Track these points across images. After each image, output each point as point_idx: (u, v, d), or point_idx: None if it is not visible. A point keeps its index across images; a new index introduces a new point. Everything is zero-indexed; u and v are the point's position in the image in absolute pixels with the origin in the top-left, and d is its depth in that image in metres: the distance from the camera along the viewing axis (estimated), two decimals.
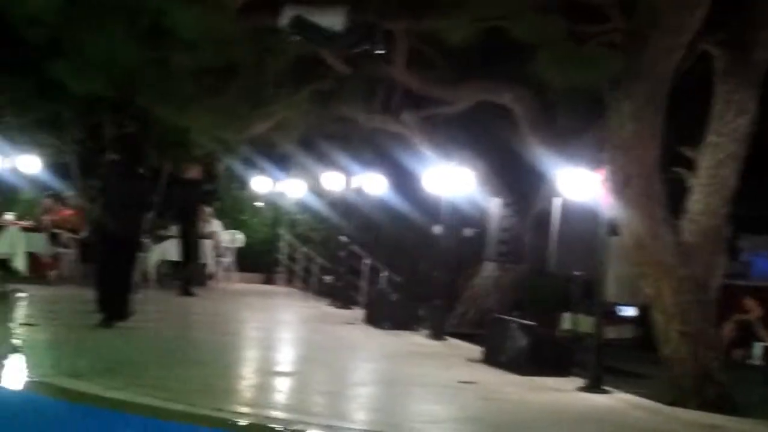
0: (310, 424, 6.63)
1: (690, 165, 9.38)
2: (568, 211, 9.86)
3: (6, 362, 8.17)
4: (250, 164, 18.77)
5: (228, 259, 17.05)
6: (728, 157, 9.02)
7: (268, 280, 18.24)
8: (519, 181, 13.70)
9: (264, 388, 8.06)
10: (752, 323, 12.64)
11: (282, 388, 8.23)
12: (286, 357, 10.48)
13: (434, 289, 12.57)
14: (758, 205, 15.33)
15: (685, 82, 10.77)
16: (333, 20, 9.66)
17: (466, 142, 13.82)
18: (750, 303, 12.81)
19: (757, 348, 12.60)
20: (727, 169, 9.02)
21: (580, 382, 8.90)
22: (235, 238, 17.39)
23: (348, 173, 15.04)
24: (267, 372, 8.98)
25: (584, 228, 9.33)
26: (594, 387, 8.68)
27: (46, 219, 15.73)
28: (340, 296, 14.78)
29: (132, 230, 10.85)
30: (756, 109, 9.06)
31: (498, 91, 12.91)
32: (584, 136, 12.17)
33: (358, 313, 13.74)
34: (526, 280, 13.53)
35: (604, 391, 8.67)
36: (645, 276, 8.61)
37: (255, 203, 19.62)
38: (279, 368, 9.33)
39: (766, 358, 12.19)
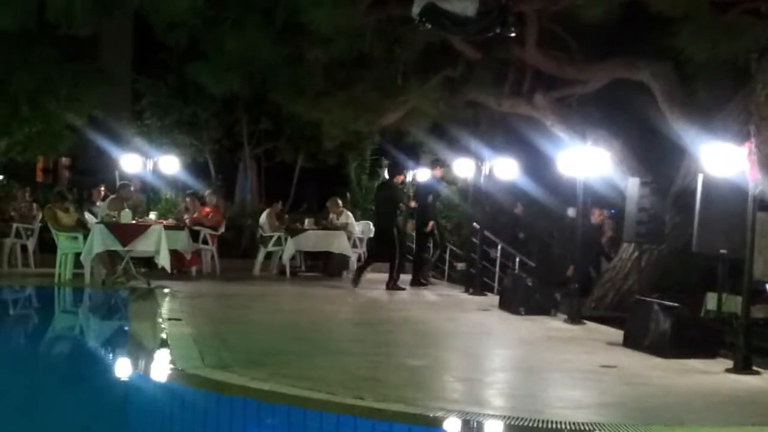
0: (450, 411, 6.59)
1: None
2: (711, 187, 9.50)
3: (154, 356, 8.48)
4: (381, 154, 18.89)
5: (360, 250, 17.19)
6: None
7: (400, 269, 18.26)
8: (658, 159, 13.26)
9: (403, 376, 8.05)
10: None
11: (419, 377, 8.19)
12: (421, 345, 10.43)
13: (570, 272, 12.33)
14: None
15: None
16: (465, 5, 9.59)
17: (601, 121, 13.48)
18: None
19: None
20: None
21: (727, 363, 8.56)
22: (368, 229, 17.50)
23: (479, 159, 14.89)
24: (404, 360, 8.98)
25: (729, 205, 9.01)
26: (743, 368, 8.33)
27: (187, 217, 16.25)
28: (474, 283, 14.67)
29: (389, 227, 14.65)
30: None
31: (634, 67, 12.54)
32: (727, 108, 11.67)
33: (493, 299, 13.61)
34: (668, 261, 13.06)
35: (754, 372, 8.32)
36: None
37: None
38: (416, 357, 9.32)
39: None
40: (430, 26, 10.09)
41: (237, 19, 12.85)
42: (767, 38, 8.25)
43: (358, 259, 17.12)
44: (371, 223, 16.95)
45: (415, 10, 9.87)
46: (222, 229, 16.57)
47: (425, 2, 9.78)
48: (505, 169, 14.73)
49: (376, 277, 16.49)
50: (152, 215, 15.49)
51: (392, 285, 14.73)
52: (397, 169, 15.94)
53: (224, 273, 16.15)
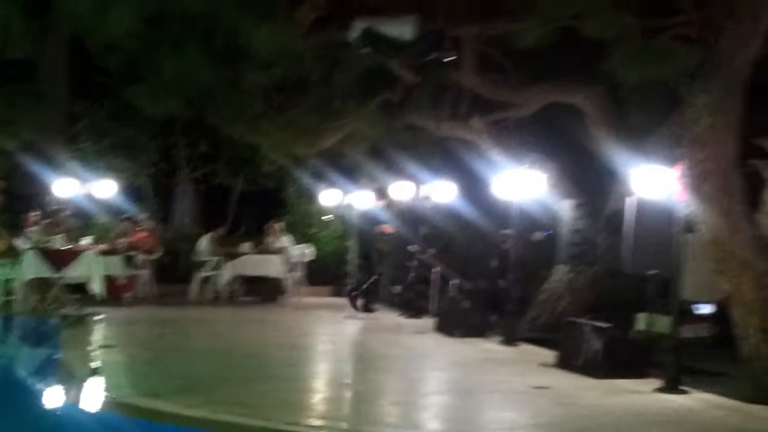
0: None
1: (766, 157, 9.08)
2: (642, 209, 9.66)
3: (87, 384, 8.32)
4: (319, 177, 18.86)
5: (298, 274, 17.12)
6: None
7: (338, 293, 18.26)
8: (591, 182, 13.43)
9: (338, 401, 8.05)
10: None
11: (355, 400, 8.20)
12: (357, 368, 10.44)
13: (505, 295, 12.42)
14: None
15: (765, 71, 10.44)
16: (402, 30, 9.66)
17: (536, 144, 13.62)
18: None
19: None
20: None
21: (657, 383, 8.69)
22: (305, 252, 17.46)
23: (417, 182, 14.96)
24: (340, 384, 8.96)
25: (659, 226, 9.14)
26: (672, 387, 8.49)
27: (122, 242, 16.02)
28: (411, 306, 14.69)
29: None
30: None
31: (568, 90, 12.71)
32: (658, 132, 11.88)
33: (429, 322, 13.64)
34: (600, 282, 13.24)
35: (683, 392, 8.47)
36: (723, 272, 8.34)
37: (324, 216, 19.69)
38: (351, 380, 9.31)
39: None
40: (368, 50, 10.14)
41: (175, 41, 12.76)
42: (696, 63, 8.41)
43: (296, 283, 17.07)
44: (309, 247, 16.88)
45: (353, 34, 9.91)
46: (158, 254, 16.35)
47: (363, 27, 9.83)
48: (442, 191, 14.84)
49: (315, 302, 16.48)
50: (86, 240, 15.23)
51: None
52: (380, 193, 15.97)
53: (160, 298, 15.93)
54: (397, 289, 16.36)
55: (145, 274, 15.99)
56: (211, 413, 7.03)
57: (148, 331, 12.27)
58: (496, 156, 13.74)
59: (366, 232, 16.07)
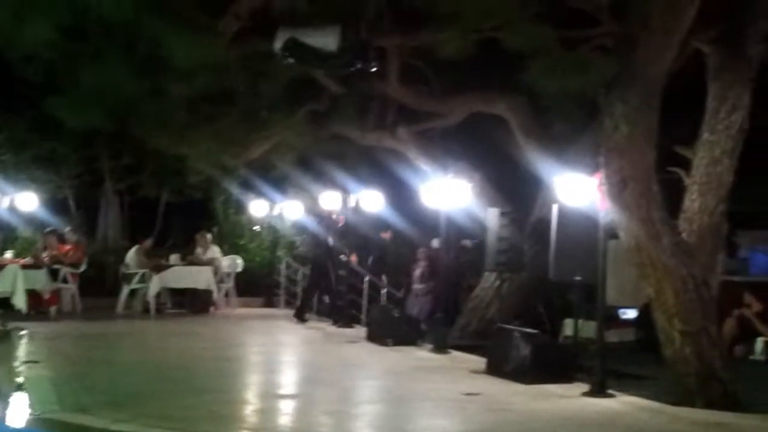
0: None
1: (686, 164, 9.35)
2: (566, 217, 9.86)
3: (10, 400, 8.15)
4: (248, 188, 18.80)
5: (228, 285, 17.03)
6: (723, 154, 9.00)
7: (269, 304, 18.21)
8: (516, 190, 13.69)
9: (269, 412, 8.02)
10: (752, 319, 12.58)
11: (287, 411, 8.21)
12: (289, 379, 10.44)
13: (435, 302, 12.57)
14: (755, 201, 15.33)
15: (680, 82, 10.78)
16: (326, 41, 9.70)
17: (462, 153, 13.82)
18: (749, 299, 12.75)
19: (759, 343, 12.54)
20: (723, 166, 9.01)
21: (584, 387, 8.88)
22: (235, 263, 17.37)
23: (345, 191, 15.04)
24: (272, 395, 8.94)
25: (583, 233, 9.33)
26: (599, 391, 8.67)
27: (45, 255, 15.72)
28: (342, 315, 14.75)
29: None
30: (749, 105, 9.05)
31: (491, 101, 12.94)
32: (580, 141, 12.17)
33: (361, 331, 13.70)
34: (528, 289, 13.48)
35: (609, 395, 8.66)
36: (645, 277, 8.57)
37: (253, 227, 19.62)
38: (283, 391, 9.31)
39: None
40: (292, 61, 10.15)
41: (96, 51, 12.58)
42: (614, 73, 8.64)
43: (225, 295, 16.96)
44: (238, 258, 16.78)
45: (278, 44, 9.92)
46: (83, 267, 16.08)
47: (287, 37, 9.84)
48: (371, 201, 14.94)
49: (245, 313, 16.42)
50: (8, 254, 14.90)
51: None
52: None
53: (86, 312, 15.65)
54: (328, 298, 16.41)
55: (70, 287, 15.71)
56: (140, 427, 6.96)
57: (75, 346, 12.06)
58: (423, 165, 13.91)
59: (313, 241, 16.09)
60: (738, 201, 9.57)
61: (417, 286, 15.07)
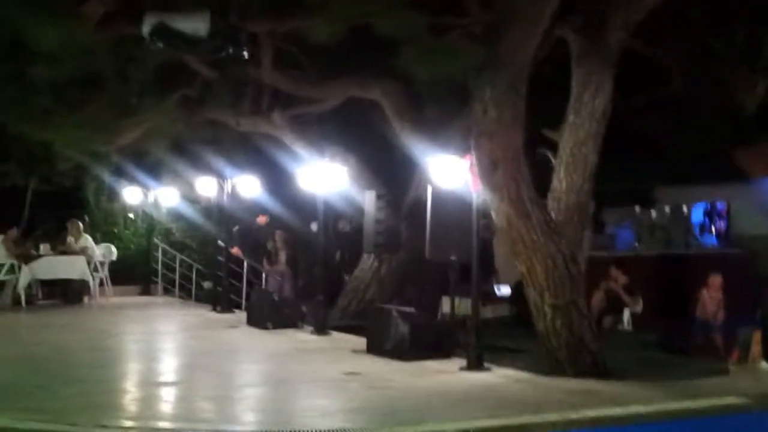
0: (198, 431, 6.62)
1: (554, 146, 9.72)
2: (440, 198, 10.06)
3: None
4: (121, 175, 18.42)
5: (102, 274, 16.68)
6: (588, 136, 9.40)
7: (146, 291, 17.94)
8: (392, 173, 13.91)
9: (149, 400, 7.97)
10: (619, 292, 13.21)
11: (168, 398, 8.16)
12: (169, 366, 10.35)
13: (315, 285, 12.67)
14: (619, 179, 16.06)
15: (547, 67, 11.19)
16: (196, 26, 9.59)
17: (338, 137, 13.95)
18: (615, 273, 13.37)
19: (625, 315, 13.20)
20: (587, 147, 9.41)
21: (462, 362, 9.17)
22: (109, 252, 17.03)
23: (222, 177, 14.96)
24: (151, 383, 8.87)
25: (457, 214, 9.57)
26: (475, 366, 8.98)
27: None
28: (221, 301, 14.69)
29: None
30: (612, 89, 9.47)
31: (366, 86, 13.08)
32: (452, 124, 12.46)
33: (241, 315, 13.68)
34: (406, 269, 13.75)
35: (486, 369, 8.99)
36: (517, 254, 8.89)
37: (128, 214, 19.24)
38: (163, 378, 9.24)
39: (634, 323, 12.75)
40: (161, 46, 10.01)
41: None
42: (482, 59, 8.88)
43: (100, 284, 16.61)
44: (112, 246, 16.48)
45: (146, 29, 9.74)
46: None
47: (155, 21, 9.69)
48: (247, 186, 14.91)
49: (121, 302, 16.13)
50: None
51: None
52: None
53: None
54: (208, 284, 16.29)
55: None
56: (13, 422, 6.75)
57: None
58: (299, 149, 13.96)
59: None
60: (603, 180, 10.01)
61: (271, 268, 15.16)
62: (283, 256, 14.90)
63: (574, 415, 7.00)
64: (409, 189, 13.44)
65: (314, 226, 14.26)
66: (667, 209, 16.70)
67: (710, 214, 19.66)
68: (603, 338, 9.48)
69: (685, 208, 17.28)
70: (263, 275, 15.42)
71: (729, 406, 7.46)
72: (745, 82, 11.54)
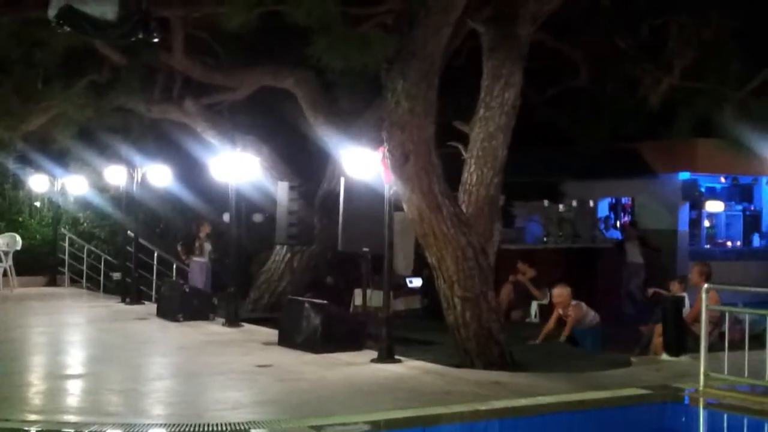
0: (106, 425, 6.52)
1: (465, 139, 9.81)
2: (352, 190, 10.09)
3: None
4: (27, 162, 17.95)
5: (6, 264, 16.23)
6: (498, 129, 9.49)
7: (52, 282, 17.53)
8: (305, 164, 13.89)
9: (55, 393, 7.82)
10: (527, 284, 13.45)
11: (74, 391, 8.03)
12: (76, 359, 10.14)
13: (227, 276, 12.58)
14: (528, 173, 16.33)
15: (459, 60, 11.26)
16: (104, 9, 9.38)
17: (251, 127, 13.86)
18: (523, 266, 13.61)
19: (533, 307, 13.46)
20: (497, 140, 9.51)
21: (373, 354, 9.22)
22: (14, 241, 16.58)
23: (131, 166, 14.70)
24: (57, 376, 8.70)
25: (369, 206, 9.62)
26: (386, 357, 9.05)
27: None
28: (131, 292, 14.45)
29: None
30: (522, 82, 9.60)
31: (280, 75, 13.02)
32: (365, 115, 12.50)
33: (151, 307, 13.50)
34: (318, 261, 13.75)
35: (396, 360, 9.05)
36: (428, 247, 8.95)
37: (33, 203, 18.75)
38: (69, 371, 9.06)
39: (542, 315, 13.00)
40: (68, 29, 9.76)
41: None
42: (394, 50, 8.89)
43: (4, 274, 16.17)
44: (17, 236, 16.05)
45: (51, 12, 9.45)
46: None
47: (62, 4, 9.44)
48: (158, 175, 14.69)
49: (27, 292, 15.74)
50: None
51: None
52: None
53: None
54: (116, 275, 16.01)
55: None
56: None
57: None
58: (211, 139, 13.82)
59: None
60: (513, 174, 10.16)
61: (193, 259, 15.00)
62: (207, 247, 14.69)
63: (482, 407, 7.11)
64: (323, 180, 13.43)
65: (226, 217, 14.12)
66: (574, 203, 17.03)
67: (615, 209, 20.18)
68: (511, 330, 9.63)
69: (591, 203, 17.65)
70: (174, 266, 15.18)
71: (631, 396, 7.67)
72: (649, 78, 11.82)
